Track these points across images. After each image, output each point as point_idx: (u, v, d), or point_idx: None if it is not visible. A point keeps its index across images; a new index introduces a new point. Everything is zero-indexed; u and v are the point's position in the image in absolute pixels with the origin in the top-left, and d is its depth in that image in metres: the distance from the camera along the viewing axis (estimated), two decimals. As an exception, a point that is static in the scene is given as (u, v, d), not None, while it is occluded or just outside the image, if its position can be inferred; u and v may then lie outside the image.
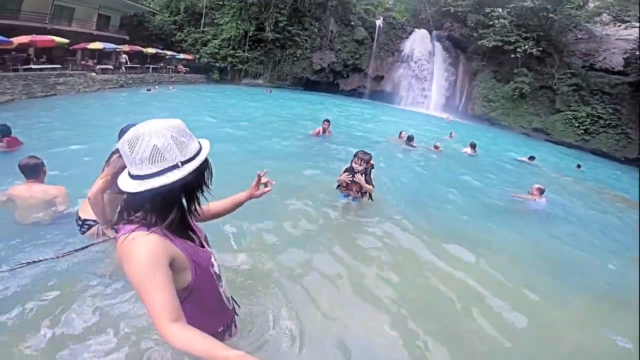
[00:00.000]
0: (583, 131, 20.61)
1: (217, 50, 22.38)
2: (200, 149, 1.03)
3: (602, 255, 4.77)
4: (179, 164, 0.96)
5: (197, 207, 1.10)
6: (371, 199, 4.15)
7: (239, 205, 1.51)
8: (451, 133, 13.85)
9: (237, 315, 1.47)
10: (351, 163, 3.93)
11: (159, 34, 21.86)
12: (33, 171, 2.80)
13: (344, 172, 4.01)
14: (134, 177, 0.96)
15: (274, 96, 19.33)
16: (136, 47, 18.50)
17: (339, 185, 4.26)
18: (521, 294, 3.14)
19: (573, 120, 20.96)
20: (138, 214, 1.00)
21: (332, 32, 27.68)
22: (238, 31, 22.79)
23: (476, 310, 2.70)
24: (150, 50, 19.02)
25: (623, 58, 20.73)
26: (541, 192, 6.39)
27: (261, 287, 2.28)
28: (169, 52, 20.51)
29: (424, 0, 28.98)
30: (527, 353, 2.43)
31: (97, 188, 2.15)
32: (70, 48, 15.60)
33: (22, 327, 1.80)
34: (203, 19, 23.23)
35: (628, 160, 19.30)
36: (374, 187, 4.10)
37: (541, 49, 22.20)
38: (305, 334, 1.99)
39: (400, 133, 9.98)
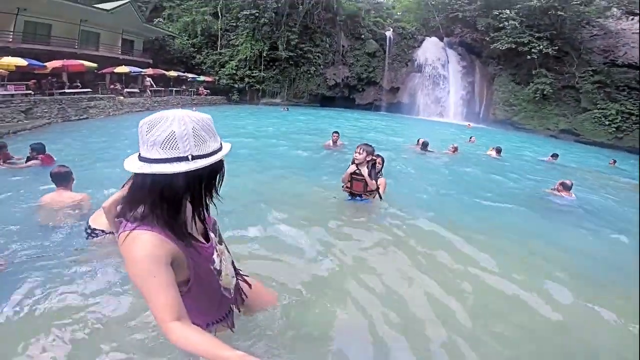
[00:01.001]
0: (615, 129, 19.92)
1: (234, 71, 22.75)
2: (220, 150, 0.98)
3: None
4: (190, 157, 0.90)
5: (204, 212, 1.07)
6: (380, 197, 3.90)
7: None
8: (471, 137, 13.51)
9: (245, 299, 1.41)
10: (353, 159, 3.76)
11: (180, 57, 22.45)
12: (63, 179, 3.13)
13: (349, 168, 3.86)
14: (141, 159, 0.92)
15: (290, 113, 19.35)
16: (159, 70, 18.97)
17: (346, 187, 4.01)
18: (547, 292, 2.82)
19: (602, 119, 20.33)
20: (140, 210, 0.94)
21: (343, 46, 28.00)
22: (253, 51, 23.20)
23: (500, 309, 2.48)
24: (173, 73, 19.41)
25: (646, 52, 20.44)
26: (566, 187, 6.05)
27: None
28: (190, 75, 20.94)
29: (431, 8, 29.16)
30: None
31: (113, 199, 2.23)
32: (99, 72, 15.91)
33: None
34: (219, 40, 23.76)
35: (666, 156, 18.59)
36: (378, 183, 3.90)
37: (557, 48, 21.94)
38: (307, 334, 1.86)
39: (418, 140, 9.80)
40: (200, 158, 0.91)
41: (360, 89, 28.24)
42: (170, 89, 19.13)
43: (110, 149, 7.30)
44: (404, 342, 1.98)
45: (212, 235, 1.18)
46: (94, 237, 2.56)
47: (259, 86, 23.76)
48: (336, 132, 8.59)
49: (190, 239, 1.04)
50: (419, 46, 28.77)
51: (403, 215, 4.02)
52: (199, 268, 1.08)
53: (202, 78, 21.40)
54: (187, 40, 22.98)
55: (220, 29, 24.08)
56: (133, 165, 0.92)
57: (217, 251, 1.18)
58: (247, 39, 23.63)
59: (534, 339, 2.24)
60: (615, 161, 13.35)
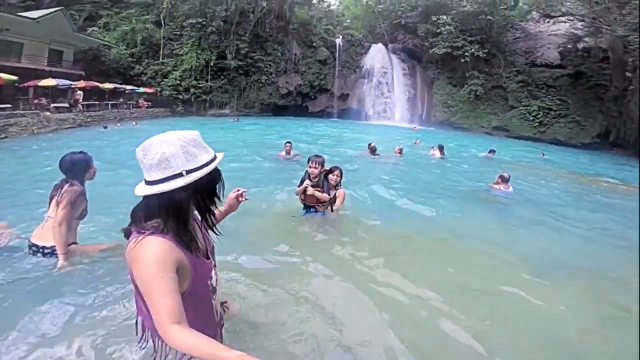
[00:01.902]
0: (538, 123, 21.94)
1: (178, 82, 21.99)
2: (213, 160, 1.08)
3: (569, 234, 4.81)
4: (184, 172, 1.01)
5: (210, 217, 1.14)
6: (332, 209, 3.79)
7: (223, 216, 1.59)
8: (416, 140, 14.22)
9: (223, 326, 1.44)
10: (306, 171, 3.69)
11: (117, 68, 21.21)
12: None
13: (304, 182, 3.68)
14: (146, 182, 1.03)
15: (240, 123, 19.12)
16: (92, 82, 17.73)
17: (300, 199, 3.90)
18: (503, 284, 3.04)
19: (527, 115, 22.31)
20: (150, 222, 1.04)
21: (295, 54, 28.17)
22: (199, 61, 22.64)
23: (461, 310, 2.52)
24: (108, 85, 18.31)
25: (558, 52, 22.70)
26: (504, 179, 6.53)
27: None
28: (129, 87, 19.84)
29: (377, 15, 30.26)
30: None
31: (61, 217, 2.29)
32: (21, 86, 14.68)
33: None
34: (161, 50, 22.91)
35: (584, 145, 20.63)
36: (337, 195, 3.82)
37: (486, 51, 23.67)
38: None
39: (369, 145, 10.13)
40: (194, 171, 1.02)
41: (313, 97, 28.54)
42: (105, 102, 17.96)
43: (32, 170, 6.49)
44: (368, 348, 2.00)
45: (210, 257, 1.26)
46: (49, 255, 2.43)
47: (205, 97, 23.09)
48: (289, 142, 8.54)
49: (197, 247, 1.14)
50: (366, 53, 29.75)
51: (357, 225, 3.99)
52: (198, 280, 1.13)
53: (142, 90, 20.34)
54: (125, 50, 21.83)
55: (163, 37, 23.26)
56: (142, 190, 1.03)
57: (214, 270, 1.26)
58: (192, 48, 23.08)
59: (491, 328, 2.32)
60: (544, 154, 14.74)
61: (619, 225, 5.58)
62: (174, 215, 1.03)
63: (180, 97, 22.17)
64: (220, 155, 1.12)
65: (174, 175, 1.00)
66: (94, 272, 2.44)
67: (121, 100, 19.15)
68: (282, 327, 2.05)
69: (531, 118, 22.10)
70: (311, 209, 3.83)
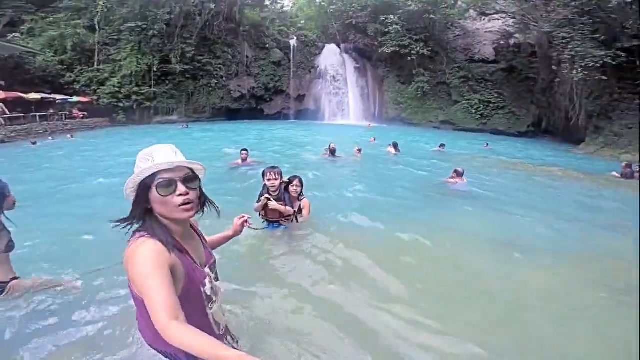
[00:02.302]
0: (480, 116, 23.27)
1: (117, 89, 20.38)
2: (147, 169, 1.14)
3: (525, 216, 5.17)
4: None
5: (131, 222, 1.17)
6: (296, 220, 3.62)
7: (227, 240, 1.72)
8: (372, 139, 14.43)
9: (230, 342, 1.41)
10: (264, 185, 3.41)
11: (44, 76, 19.12)
12: None
13: (262, 197, 3.38)
14: None
15: (190, 130, 18.24)
16: (14, 93, 15.88)
17: (261, 215, 3.60)
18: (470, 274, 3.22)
19: (469, 108, 23.57)
20: (142, 229, 1.13)
21: (247, 57, 27.43)
22: (140, 66, 21.22)
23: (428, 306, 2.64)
24: (34, 95, 16.54)
25: (493, 48, 24.27)
26: (459, 174, 6.78)
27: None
28: (59, 96, 18.05)
29: (330, 16, 30.29)
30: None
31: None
32: None
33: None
34: (96, 56, 21.18)
35: (521, 134, 22.27)
36: (302, 206, 3.71)
37: (430, 49, 24.53)
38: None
39: (329, 146, 10.07)
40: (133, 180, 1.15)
41: (268, 99, 28.00)
42: (32, 114, 16.25)
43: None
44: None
45: (208, 269, 1.29)
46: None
47: (149, 103, 21.67)
48: (245, 150, 8.07)
49: (178, 249, 1.16)
50: (320, 53, 29.75)
51: (324, 236, 3.78)
52: (191, 285, 1.15)
53: (75, 99, 18.58)
54: (53, 57, 19.79)
55: (98, 43, 21.52)
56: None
57: (210, 279, 1.26)
58: (132, 53, 21.55)
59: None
60: (487, 144, 15.64)
61: (569, 208, 6.06)
62: (136, 218, 1.15)
63: (121, 104, 20.53)
64: (163, 165, 1.13)
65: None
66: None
67: (51, 111, 17.37)
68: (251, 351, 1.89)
69: (473, 111, 23.39)
70: (274, 224, 3.56)
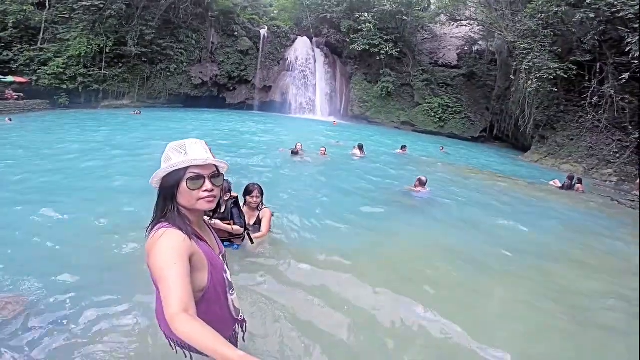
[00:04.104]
0: (438, 119, 23.04)
1: (62, 70, 18.23)
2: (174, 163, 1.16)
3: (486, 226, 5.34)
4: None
5: (158, 214, 1.18)
6: (251, 241, 3.04)
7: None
8: (338, 141, 13.79)
9: (244, 330, 1.45)
10: None
11: None
12: None
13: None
14: None
15: (143, 118, 16.93)
16: None
17: None
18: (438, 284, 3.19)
19: (429, 111, 23.25)
20: (163, 219, 1.14)
21: (213, 43, 25.80)
22: (90, 47, 19.19)
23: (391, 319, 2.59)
24: None
25: (456, 54, 24.10)
26: (422, 183, 6.69)
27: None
28: None
29: (305, 8, 28.93)
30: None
31: None
32: None
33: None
34: (41, 34, 19.00)
35: (474, 139, 22.42)
36: (261, 216, 3.33)
37: (399, 50, 23.88)
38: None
39: (296, 145, 9.48)
40: (161, 172, 1.16)
41: (232, 88, 26.45)
42: None
43: None
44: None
45: (222, 259, 1.31)
46: None
47: (98, 86, 19.49)
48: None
49: (198, 237, 1.18)
50: (291, 45, 28.44)
51: (284, 251, 3.39)
52: (215, 273, 1.19)
53: (10, 79, 16.25)
54: None
55: (46, 21, 19.47)
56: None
57: (227, 266, 1.32)
58: (83, 33, 19.52)
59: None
60: (443, 147, 15.56)
61: (531, 216, 6.29)
62: (158, 206, 1.17)
63: (65, 87, 18.26)
64: (199, 161, 1.15)
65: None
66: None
67: (-23, 91, 15.60)
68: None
69: (433, 114, 23.12)
70: (224, 243, 2.86)
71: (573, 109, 16.40)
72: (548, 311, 3.00)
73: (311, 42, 28.85)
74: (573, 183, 9.79)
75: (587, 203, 8.64)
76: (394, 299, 2.86)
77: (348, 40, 25.61)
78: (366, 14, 23.75)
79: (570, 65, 14.97)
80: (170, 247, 1.03)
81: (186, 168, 1.14)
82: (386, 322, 2.52)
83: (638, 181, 9.94)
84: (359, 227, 4.59)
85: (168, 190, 1.16)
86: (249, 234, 3.04)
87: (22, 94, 17.03)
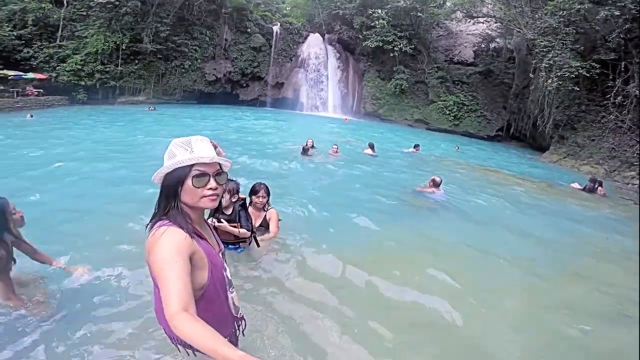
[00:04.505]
0: (453, 117, 22.57)
1: (80, 67, 18.47)
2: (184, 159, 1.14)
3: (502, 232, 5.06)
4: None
5: (161, 210, 1.17)
6: (257, 244, 2.93)
7: None
8: (349, 139, 13.61)
9: (244, 327, 1.44)
10: None
11: None
12: None
13: (210, 218, 2.77)
14: None
15: (157, 114, 17.12)
16: None
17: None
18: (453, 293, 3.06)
19: (444, 109, 22.80)
20: (164, 217, 1.12)
21: (226, 40, 25.83)
22: (107, 44, 19.42)
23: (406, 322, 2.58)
24: None
25: (473, 51, 23.50)
26: (436, 184, 6.36)
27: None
28: (12, 72, 16.33)
29: (317, 5, 28.72)
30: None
31: None
32: None
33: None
34: (60, 32, 19.20)
35: (490, 138, 21.93)
36: (268, 218, 3.23)
37: (413, 46, 23.49)
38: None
39: (307, 142, 9.34)
40: (165, 168, 1.14)
41: (245, 85, 26.53)
42: None
43: None
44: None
45: (222, 257, 1.31)
46: None
47: (115, 83, 19.77)
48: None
49: (199, 236, 1.17)
50: (303, 42, 28.21)
51: (288, 252, 3.27)
52: (215, 270, 1.18)
53: (30, 75, 16.60)
54: (11, 31, 17.59)
55: (64, 18, 19.64)
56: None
57: (226, 264, 1.31)
58: (100, 30, 19.80)
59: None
60: (458, 147, 15.30)
61: (551, 220, 6.02)
62: (161, 204, 1.15)
63: (82, 83, 18.58)
64: (205, 159, 1.14)
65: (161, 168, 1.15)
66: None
67: (1, 87, 15.96)
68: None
69: (447, 112, 22.66)
70: (229, 245, 2.89)
71: (595, 108, 15.81)
72: (562, 323, 2.85)
73: (323, 38, 28.59)
74: (595, 186, 9.45)
75: (610, 207, 8.31)
76: (402, 304, 2.76)
77: (361, 37, 25.30)
78: (379, 11, 23.41)
79: (594, 64, 14.43)
80: (171, 245, 1.02)
81: (191, 165, 1.13)
82: (392, 326, 2.44)
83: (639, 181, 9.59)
84: (369, 230, 4.42)
85: (171, 187, 1.14)
86: (255, 238, 2.92)
87: (42, 90, 17.43)
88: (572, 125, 16.31)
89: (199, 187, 1.13)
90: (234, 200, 2.83)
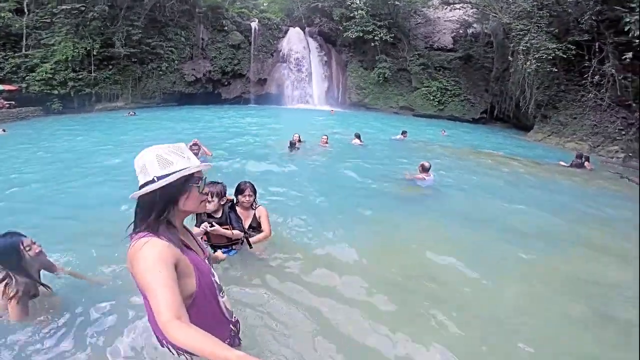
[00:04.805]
0: (437, 102, 22.81)
1: (51, 75, 17.55)
2: (187, 168, 1.13)
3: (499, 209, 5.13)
4: (155, 178, 1.09)
5: (161, 220, 1.11)
6: (250, 246, 2.84)
7: None
8: (331, 134, 13.54)
9: (238, 330, 1.42)
10: None
11: None
12: None
13: (202, 224, 2.69)
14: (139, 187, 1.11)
15: (138, 119, 16.51)
16: None
17: (203, 239, 2.84)
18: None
19: (428, 95, 23.00)
20: (145, 228, 1.08)
21: (203, 39, 25.08)
22: (77, 50, 18.51)
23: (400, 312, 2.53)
24: None
25: (452, 37, 23.66)
26: (425, 169, 6.33)
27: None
28: None
29: None
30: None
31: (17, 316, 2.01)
32: None
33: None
34: (24, 40, 18.20)
35: (475, 120, 22.29)
36: (258, 217, 3.12)
37: (393, 35, 23.42)
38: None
39: (293, 136, 9.19)
40: (164, 177, 1.09)
41: (226, 83, 25.89)
42: None
43: None
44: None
45: (207, 262, 1.29)
46: None
47: (90, 90, 18.88)
48: (195, 145, 6.67)
49: (184, 245, 1.16)
50: (283, 36, 27.64)
51: (282, 252, 3.16)
52: (203, 277, 1.15)
53: (0, 87, 16.43)
54: None
55: (27, 27, 18.56)
56: (133, 194, 1.12)
57: (213, 269, 1.29)
58: (67, 37, 18.74)
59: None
60: (444, 131, 15.42)
61: (542, 198, 6.05)
62: (155, 215, 1.08)
63: (56, 92, 17.62)
64: (203, 166, 1.18)
65: (147, 182, 1.09)
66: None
67: (-34, 102, 15.01)
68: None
69: (432, 98, 22.87)
70: (223, 248, 2.81)
71: (574, 88, 16.23)
72: (565, 303, 2.86)
73: (304, 32, 28.20)
74: (582, 161, 9.71)
75: (597, 181, 8.56)
76: (400, 298, 2.71)
77: (341, 28, 25.12)
78: (357, 1, 23.31)
79: (569, 46, 14.79)
80: (154, 255, 1.00)
81: (193, 172, 1.14)
82: (391, 322, 2.40)
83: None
84: (361, 222, 4.35)
85: (173, 195, 1.12)
86: (247, 239, 2.85)
87: (13, 102, 16.46)
88: (553, 105, 16.72)
89: (202, 193, 1.16)
90: (222, 202, 2.78)
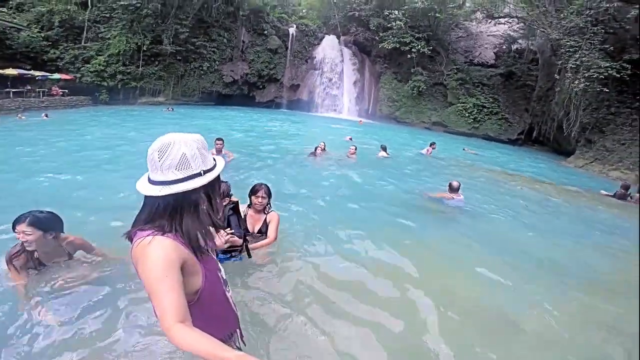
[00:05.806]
0: (472, 120, 22.08)
1: (103, 68, 19.08)
2: (215, 164, 1.12)
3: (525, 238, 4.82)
4: (202, 172, 1.04)
5: (215, 215, 1.14)
6: (249, 255, 2.52)
7: None
8: (351, 138, 13.48)
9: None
10: None
11: (26, 52, 17.69)
12: None
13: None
14: (155, 182, 1.01)
15: (176, 115, 17.32)
16: None
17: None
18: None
19: (463, 111, 22.34)
20: (152, 223, 1.02)
21: (243, 42, 26.20)
22: (129, 45, 19.96)
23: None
24: (11, 71, 15.40)
25: (494, 52, 22.95)
26: (454, 189, 5.95)
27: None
28: (39, 73, 16.90)
29: (333, 6, 28.73)
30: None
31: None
32: None
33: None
34: (85, 33, 19.90)
35: (511, 141, 21.32)
36: (268, 221, 2.97)
37: (431, 48, 23.13)
38: None
39: (316, 149, 9.09)
40: (209, 172, 1.06)
41: (261, 86, 26.74)
42: (7, 90, 15.05)
43: None
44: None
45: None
46: None
47: (135, 83, 20.29)
48: (220, 140, 6.88)
49: (204, 249, 1.12)
50: (319, 44, 28.26)
51: (288, 263, 3.01)
52: (210, 274, 1.14)
53: (56, 76, 17.27)
54: (39, 32, 18.28)
55: (88, 20, 20.27)
56: (152, 190, 1.01)
57: (219, 263, 1.27)
58: (122, 32, 20.35)
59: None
60: (466, 148, 14.88)
61: (579, 229, 5.67)
62: (187, 215, 1.03)
63: (105, 84, 19.19)
64: (220, 160, 1.15)
65: (193, 175, 1.02)
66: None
67: (28, 87, 16.34)
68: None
69: (467, 114, 22.18)
70: (219, 255, 2.59)
71: (626, 111, 15.14)
72: (595, 347, 2.61)
73: (339, 40, 28.54)
74: (628, 192, 8.89)
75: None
76: (413, 320, 2.55)
77: (377, 38, 25.10)
78: (396, 12, 23.20)
79: (624, 64, 13.85)
80: (159, 257, 0.97)
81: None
82: (399, 344, 2.26)
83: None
84: (381, 239, 4.08)
85: (207, 193, 1.09)
86: (247, 247, 2.51)
87: (67, 91, 17.91)
88: (600, 129, 15.66)
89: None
90: (224, 203, 2.55)
